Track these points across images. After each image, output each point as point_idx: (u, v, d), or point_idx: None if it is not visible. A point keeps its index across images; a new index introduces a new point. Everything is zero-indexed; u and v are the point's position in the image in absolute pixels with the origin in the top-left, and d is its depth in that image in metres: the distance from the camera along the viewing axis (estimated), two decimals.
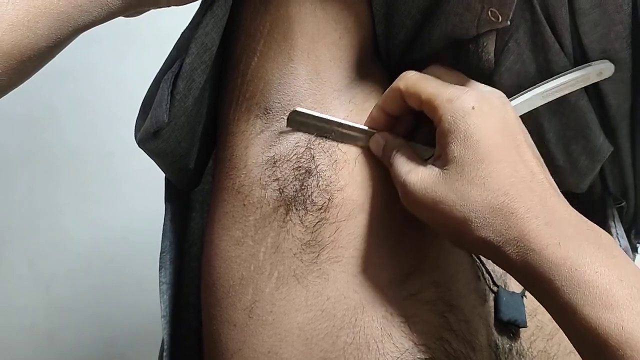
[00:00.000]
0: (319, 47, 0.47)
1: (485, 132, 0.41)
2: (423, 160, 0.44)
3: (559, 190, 0.42)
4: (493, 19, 0.45)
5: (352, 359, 0.43)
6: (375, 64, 0.52)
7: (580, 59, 0.48)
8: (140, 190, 1.05)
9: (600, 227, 0.57)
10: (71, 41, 0.41)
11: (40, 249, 1.07)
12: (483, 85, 0.45)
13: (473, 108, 0.41)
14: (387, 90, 0.46)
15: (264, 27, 0.47)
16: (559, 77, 0.48)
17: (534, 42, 0.47)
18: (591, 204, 0.60)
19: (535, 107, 0.49)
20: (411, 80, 0.45)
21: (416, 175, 0.42)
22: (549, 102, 0.49)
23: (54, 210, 1.08)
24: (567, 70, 0.49)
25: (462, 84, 0.45)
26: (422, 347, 0.44)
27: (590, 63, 0.48)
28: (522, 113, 0.48)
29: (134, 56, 1.04)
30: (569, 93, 0.48)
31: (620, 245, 0.55)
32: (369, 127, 0.48)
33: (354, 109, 0.48)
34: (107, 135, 1.08)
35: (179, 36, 0.48)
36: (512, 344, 0.50)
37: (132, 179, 1.08)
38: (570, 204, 0.60)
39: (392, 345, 0.44)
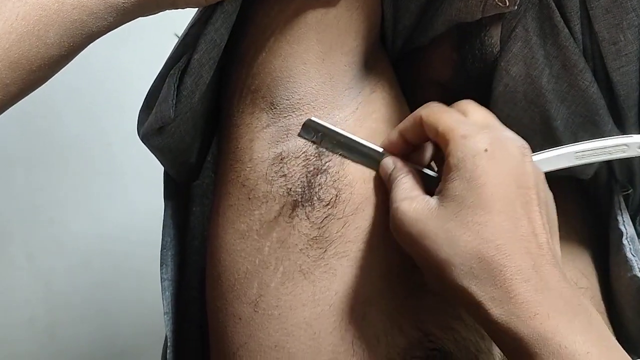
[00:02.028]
0: (335, 54, 0.46)
1: (493, 179, 0.38)
2: (424, 193, 0.42)
3: (559, 259, 0.39)
4: (500, 3, 0.43)
5: (362, 353, 0.43)
6: (381, 51, 0.51)
7: (590, 46, 0.47)
8: (140, 182, 1.04)
9: (606, 215, 0.57)
10: (85, 47, 0.40)
11: (39, 242, 1.06)
12: (509, 131, 0.42)
13: (485, 150, 0.39)
14: (408, 117, 0.44)
15: (277, 25, 0.46)
16: (597, 140, 0.46)
17: (542, 27, 0.46)
18: (596, 190, 0.59)
19: (565, 166, 0.45)
20: (432, 109, 0.43)
21: (410, 204, 0.40)
22: (557, 90, 0.47)
23: (53, 203, 1.07)
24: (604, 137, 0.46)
25: (487, 124, 0.42)
26: (432, 337, 0.44)
27: (632, 135, 0.46)
28: (548, 169, 0.44)
29: (132, 45, 1.02)
30: (579, 78, 0.47)
31: (627, 234, 0.54)
32: (384, 149, 0.46)
33: (362, 100, 0.48)
34: (105, 126, 1.07)
35: (183, 29, 0.47)
36: None
37: (131, 170, 1.07)
38: (576, 191, 0.59)
39: (402, 337, 0.43)
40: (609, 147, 0.45)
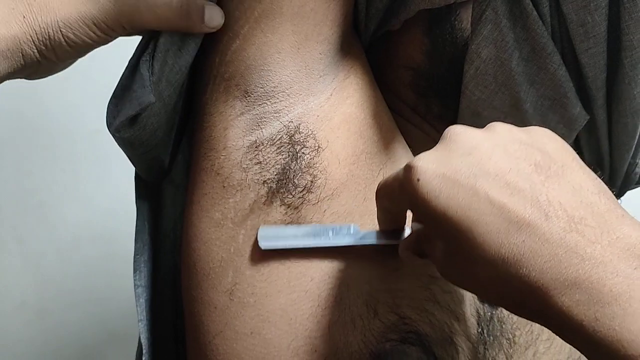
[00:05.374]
0: (310, 43, 0.44)
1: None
2: None
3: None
4: None
5: (338, 337, 0.41)
6: (353, 37, 0.48)
7: (559, 28, 0.45)
8: (128, 167, 1.01)
9: None
10: None
11: (29, 227, 1.03)
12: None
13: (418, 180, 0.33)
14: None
15: (251, 13, 0.43)
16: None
17: (512, 10, 0.44)
18: None
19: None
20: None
21: None
22: (527, 73, 0.45)
23: (43, 188, 1.04)
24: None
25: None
26: (407, 320, 0.42)
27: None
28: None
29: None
30: (548, 61, 0.45)
31: None
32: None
33: (337, 86, 0.46)
34: (93, 112, 1.04)
35: None
36: (493, 312, 0.47)
37: (119, 157, 1.04)
38: None
39: (378, 321, 0.41)
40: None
